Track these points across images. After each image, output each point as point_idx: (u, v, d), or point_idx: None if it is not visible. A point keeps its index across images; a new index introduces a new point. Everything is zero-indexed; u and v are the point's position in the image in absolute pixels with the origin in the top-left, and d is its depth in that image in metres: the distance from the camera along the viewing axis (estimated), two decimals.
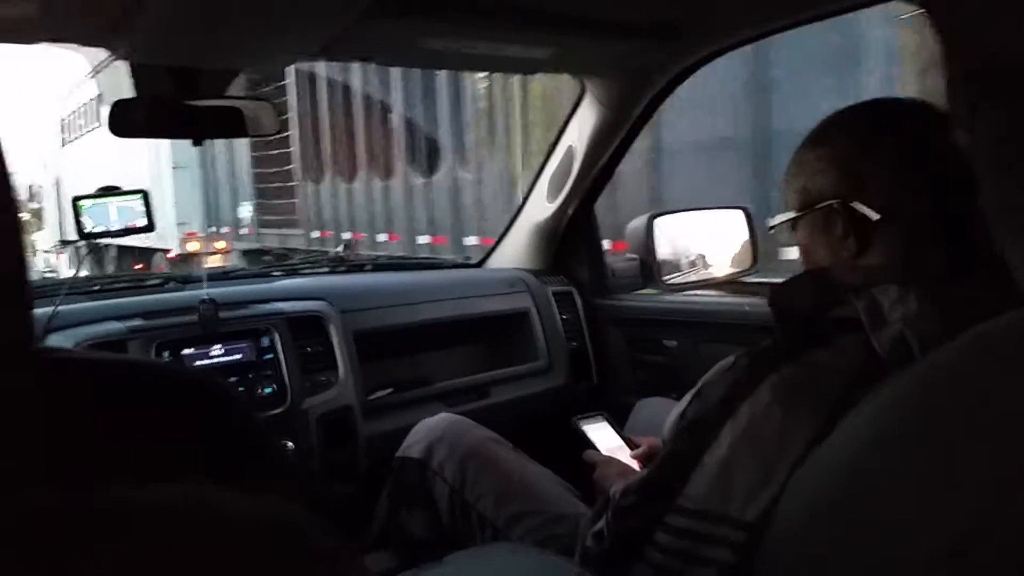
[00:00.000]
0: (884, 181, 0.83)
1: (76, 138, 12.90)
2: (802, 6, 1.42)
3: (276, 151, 9.43)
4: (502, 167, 6.18)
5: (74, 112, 12.92)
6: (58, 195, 14.17)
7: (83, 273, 1.78)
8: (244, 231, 10.28)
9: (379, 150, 7.98)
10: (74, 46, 1.23)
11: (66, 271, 13.11)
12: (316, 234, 9.02)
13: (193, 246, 10.35)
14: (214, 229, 10.90)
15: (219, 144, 10.32)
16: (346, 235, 8.35)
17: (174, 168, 10.31)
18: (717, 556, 0.77)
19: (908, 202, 0.82)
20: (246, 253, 9.93)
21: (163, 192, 10.19)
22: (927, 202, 0.82)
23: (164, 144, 9.51)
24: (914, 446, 0.61)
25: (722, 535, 0.77)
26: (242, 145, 9.83)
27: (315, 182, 9.07)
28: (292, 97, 8.86)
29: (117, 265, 11.86)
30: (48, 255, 15.34)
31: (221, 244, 10.54)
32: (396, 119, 7.54)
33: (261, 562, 0.32)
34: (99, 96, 10.66)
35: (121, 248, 11.69)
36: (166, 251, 10.46)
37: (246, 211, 10.19)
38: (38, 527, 0.29)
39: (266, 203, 9.90)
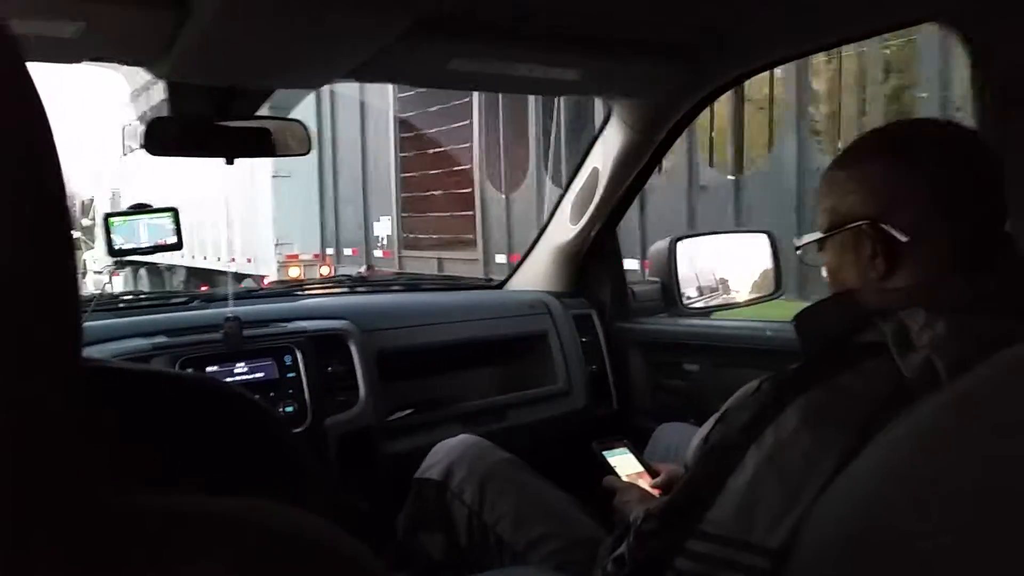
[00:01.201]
0: (915, 203, 0.82)
1: (141, 146, 11.50)
2: (827, 31, 1.42)
3: (438, 150, 7.33)
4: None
5: (141, 117, 11.15)
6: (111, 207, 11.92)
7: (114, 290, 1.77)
8: (378, 253, 8.35)
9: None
10: (114, 65, 1.26)
11: None
12: (502, 258, 6.82)
13: (295, 272, 8.33)
14: (331, 251, 8.88)
15: (347, 144, 8.28)
16: None
17: (274, 177, 8.29)
18: None
19: (938, 226, 0.82)
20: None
21: (258, 206, 8.48)
22: (957, 228, 0.81)
23: None
24: (945, 471, 0.60)
25: (745, 561, 0.76)
26: (382, 144, 7.85)
27: (507, 189, 6.71)
28: None
29: (185, 289, 10.05)
30: (100, 276, 12.54)
31: (325, 270, 8.62)
32: None
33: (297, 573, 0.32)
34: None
35: (190, 271, 10.28)
36: (261, 278, 8.48)
37: (384, 228, 8.21)
38: (87, 531, 0.29)
39: (417, 217, 7.86)
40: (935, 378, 0.72)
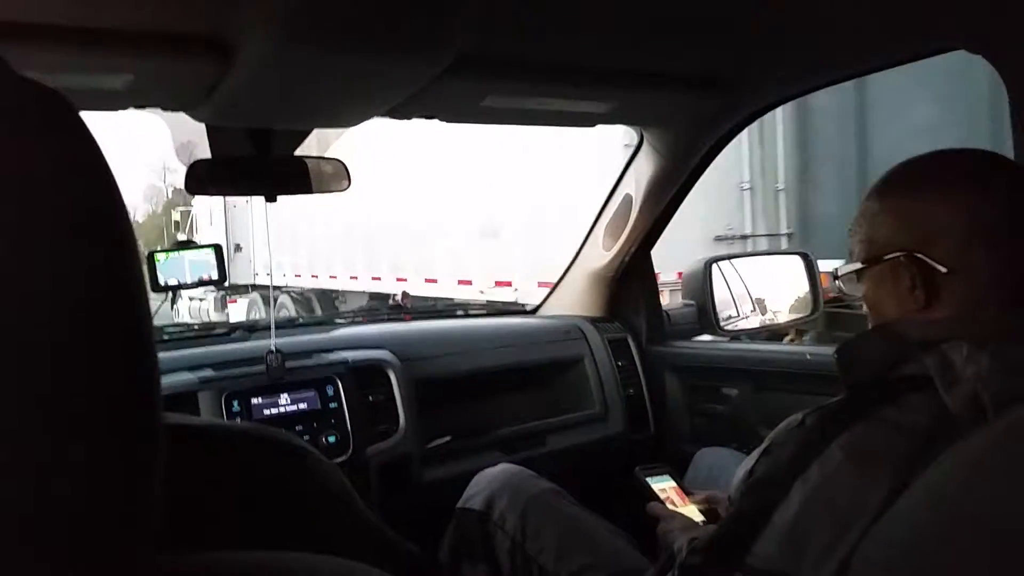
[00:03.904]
0: (954, 235, 0.82)
1: None
2: (855, 61, 1.43)
3: None
4: None
5: None
6: (226, 222, 9.96)
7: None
8: None
9: None
10: (157, 110, 1.31)
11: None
12: None
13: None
14: None
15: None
16: None
17: (626, 147, 3.04)
18: None
19: (977, 257, 0.81)
20: None
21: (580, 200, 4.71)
22: (996, 258, 0.81)
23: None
24: (996, 506, 0.60)
25: None
26: None
27: None
28: None
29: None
30: (200, 303, 10.13)
31: None
32: None
33: None
34: None
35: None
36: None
37: None
38: None
39: None
40: (981, 412, 0.72)
